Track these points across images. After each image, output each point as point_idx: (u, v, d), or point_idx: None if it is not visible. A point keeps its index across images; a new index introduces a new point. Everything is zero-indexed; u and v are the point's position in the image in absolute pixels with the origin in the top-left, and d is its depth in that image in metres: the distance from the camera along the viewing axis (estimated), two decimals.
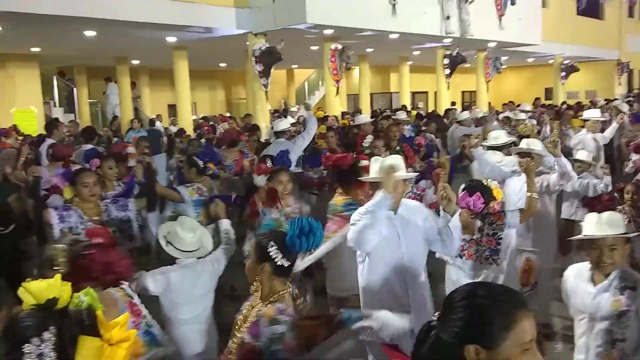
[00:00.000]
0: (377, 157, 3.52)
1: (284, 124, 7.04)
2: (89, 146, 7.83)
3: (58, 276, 1.51)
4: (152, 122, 13.98)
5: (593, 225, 2.71)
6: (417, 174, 5.26)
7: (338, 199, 3.88)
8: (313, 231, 2.37)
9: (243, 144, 7.93)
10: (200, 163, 5.04)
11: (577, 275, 2.83)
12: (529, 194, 4.02)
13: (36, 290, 1.45)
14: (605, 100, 17.08)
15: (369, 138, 5.66)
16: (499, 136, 5.26)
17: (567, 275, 2.91)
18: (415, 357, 1.53)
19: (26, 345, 1.35)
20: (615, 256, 2.65)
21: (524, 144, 4.83)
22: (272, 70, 11.30)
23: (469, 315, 1.46)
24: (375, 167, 3.26)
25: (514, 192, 4.01)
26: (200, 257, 3.36)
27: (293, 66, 21.76)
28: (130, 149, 6.56)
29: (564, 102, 17.72)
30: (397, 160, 3.27)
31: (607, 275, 2.69)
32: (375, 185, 3.15)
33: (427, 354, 1.50)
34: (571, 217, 5.57)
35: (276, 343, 2.18)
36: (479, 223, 3.81)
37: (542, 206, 4.58)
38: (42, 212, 3.95)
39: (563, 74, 20.04)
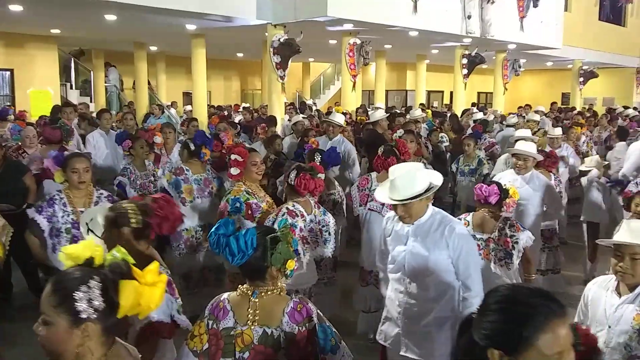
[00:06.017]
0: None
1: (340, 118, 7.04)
2: (97, 133, 7.45)
3: (92, 238, 1.75)
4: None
5: (624, 231, 2.62)
6: None
7: None
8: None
9: None
10: (192, 146, 5.15)
11: (601, 286, 2.74)
12: None
13: (74, 252, 1.66)
14: (624, 107, 17.00)
15: (400, 132, 5.72)
16: None
17: (590, 285, 2.82)
18: (456, 345, 1.61)
19: (76, 292, 1.56)
20: (637, 267, 2.55)
21: (520, 145, 4.92)
22: (289, 62, 11.28)
23: (498, 320, 1.46)
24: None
25: None
26: None
27: (310, 59, 21.71)
28: (158, 138, 6.71)
29: (573, 108, 17.74)
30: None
31: (634, 289, 2.59)
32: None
33: (460, 347, 1.56)
34: None
35: None
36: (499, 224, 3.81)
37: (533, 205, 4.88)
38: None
39: (581, 79, 19.82)
